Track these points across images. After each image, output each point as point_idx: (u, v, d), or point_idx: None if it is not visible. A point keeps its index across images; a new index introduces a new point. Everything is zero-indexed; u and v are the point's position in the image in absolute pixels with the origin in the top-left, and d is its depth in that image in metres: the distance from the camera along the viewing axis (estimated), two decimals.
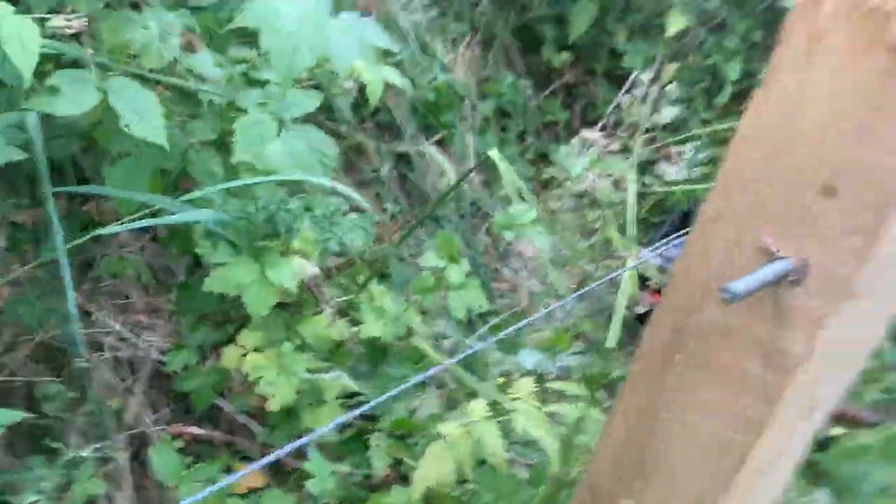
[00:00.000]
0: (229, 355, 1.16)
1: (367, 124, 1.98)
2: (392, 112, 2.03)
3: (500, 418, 1.01)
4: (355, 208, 1.29)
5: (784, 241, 0.52)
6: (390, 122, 2.06)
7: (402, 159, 2.05)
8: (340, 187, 0.99)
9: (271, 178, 0.94)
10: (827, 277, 0.50)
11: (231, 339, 1.19)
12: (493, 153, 0.97)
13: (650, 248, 1.05)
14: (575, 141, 1.14)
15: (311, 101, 1.01)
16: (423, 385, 1.23)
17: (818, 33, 0.50)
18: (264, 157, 0.93)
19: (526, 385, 1.10)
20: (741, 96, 2.72)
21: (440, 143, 2.10)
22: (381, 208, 1.99)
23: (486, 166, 2.20)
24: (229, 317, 1.27)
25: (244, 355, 1.16)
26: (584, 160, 1.10)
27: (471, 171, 1.23)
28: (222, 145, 1.01)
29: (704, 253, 0.57)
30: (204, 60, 0.97)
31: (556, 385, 1.09)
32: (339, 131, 1.68)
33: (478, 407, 1.05)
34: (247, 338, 1.16)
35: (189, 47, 0.95)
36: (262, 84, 1.02)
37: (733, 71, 2.59)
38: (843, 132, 0.49)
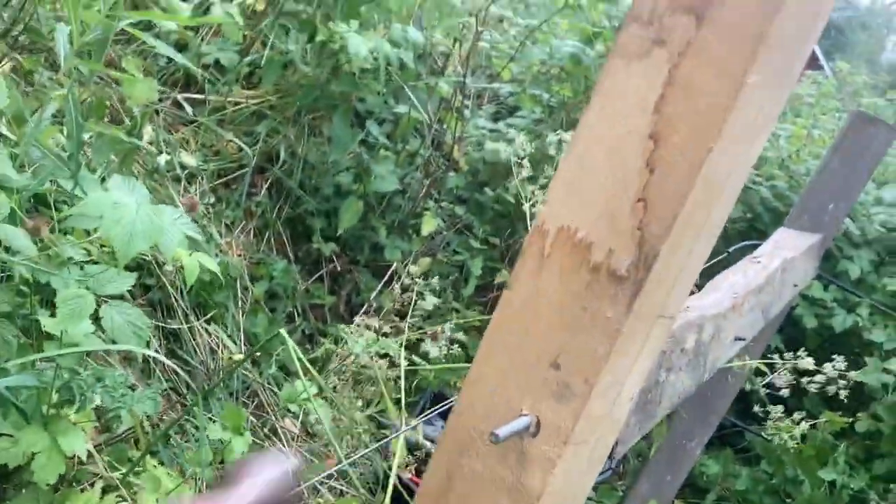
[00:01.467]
0: None
1: (140, 300, 2.02)
2: (165, 289, 2.08)
3: None
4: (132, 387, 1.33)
5: (527, 401, 0.71)
6: (162, 299, 2.11)
7: (174, 336, 2.08)
8: (160, 357, 1.05)
9: (78, 349, 0.99)
10: (554, 430, 0.69)
11: None
12: (283, 332, 1.09)
13: (414, 421, 1.20)
14: (356, 323, 1.30)
15: (129, 280, 1.09)
16: None
17: (545, 254, 0.71)
18: (82, 329, 0.98)
19: None
20: (483, 288, 3.08)
21: (211, 322, 2.17)
22: (145, 384, 1.98)
23: (251, 345, 2.29)
24: None
25: None
26: (362, 340, 1.25)
27: (252, 352, 1.33)
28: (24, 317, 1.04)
29: (469, 408, 0.74)
30: (14, 234, 1.02)
31: None
32: None
33: None
34: None
35: (36, 231, 1.00)
36: (68, 261, 1.08)
37: (476, 267, 2.95)
38: (563, 324, 0.69)
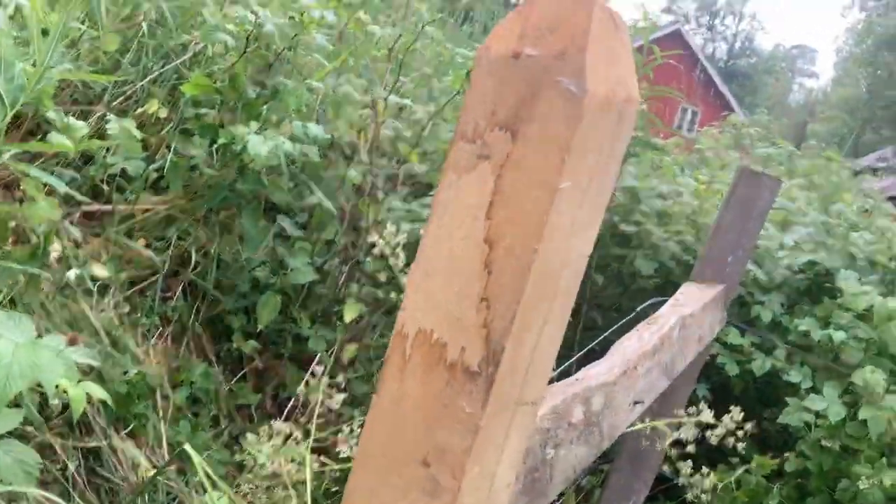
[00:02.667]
0: None
1: (54, 422, 1.97)
2: (85, 410, 2.04)
3: None
4: None
5: (402, 495, 0.73)
6: (81, 418, 2.07)
7: (92, 454, 2.03)
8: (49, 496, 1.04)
9: None
10: None
11: None
12: (188, 447, 1.10)
13: None
14: (264, 430, 1.30)
15: (14, 419, 1.08)
16: None
17: (406, 356, 0.75)
18: None
19: None
20: None
21: (132, 435, 2.13)
22: None
23: (180, 456, 2.25)
24: None
25: None
26: (266, 448, 1.26)
27: (166, 464, 1.32)
28: None
29: None
30: None
31: None
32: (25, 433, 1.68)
33: None
34: None
35: None
36: None
37: None
38: (427, 423, 0.72)
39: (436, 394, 0.72)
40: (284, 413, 2.50)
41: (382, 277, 3.11)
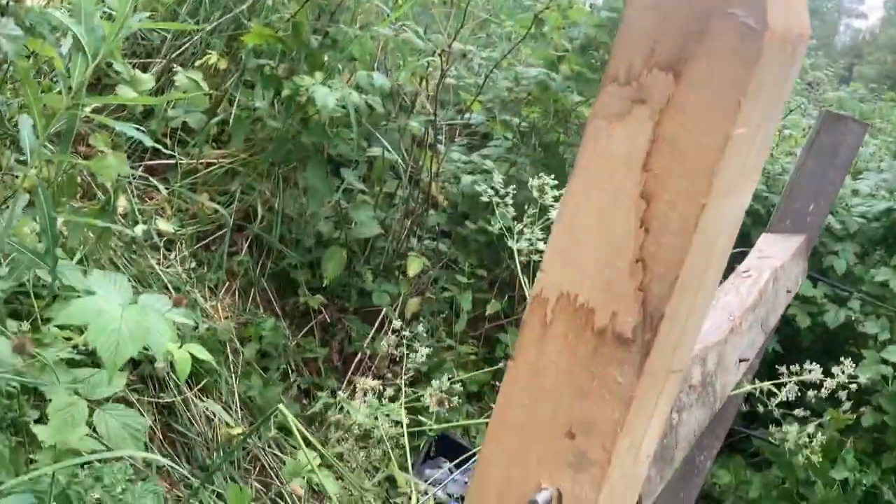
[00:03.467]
0: None
1: (129, 377, 1.98)
2: (153, 364, 2.04)
3: None
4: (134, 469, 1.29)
5: (545, 474, 0.69)
6: (152, 373, 2.07)
7: (167, 410, 2.04)
8: (155, 457, 1.03)
9: (73, 461, 0.96)
10: (576, 502, 0.67)
11: None
12: (283, 409, 1.07)
13: (427, 481, 1.18)
14: (357, 387, 1.28)
15: (119, 382, 1.06)
16: None
17: (547, 321, 0.69)
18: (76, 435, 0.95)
19: None
20: (475, 320, 3.06)
21: (205, 390, 2.13)
22: (144, 462, 1.94)
23: (247, 409, 2.25)
24: None
25: None
26: (365, 407, 1.23)
27: (254, 429, 1.30)
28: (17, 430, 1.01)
29: (483, 491, 0.72)
30: None
31: None
32: None
33: None
34: None
35: (20, 349, 0.97)
36: (56, 365, 1.05)
37: (466, 301, 2.93)
38: (573, 392, 0.67)
39: (583, 362, 0.67)
40: (352, 366, 2.49)
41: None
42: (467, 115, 3.21)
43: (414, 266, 2.68)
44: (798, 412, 2.80)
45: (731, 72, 0.59)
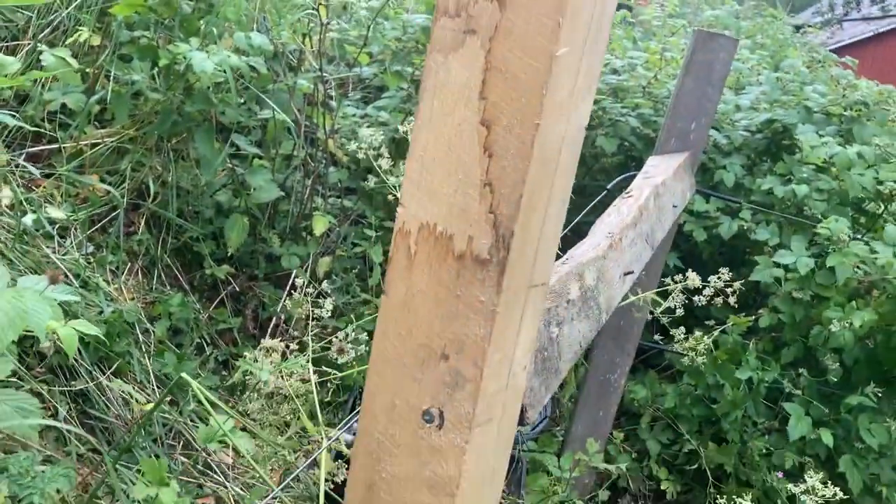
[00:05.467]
0: None
1: (37, 370, 1.94)
2: (62, 352, 2.01)
3: None
4: (49, 459, 1.28)
5: (425, 396, 0.73)
6: (62, 363, 2.03)
7: (81, 397, 2.01)
8: (52, 423, 1.02)
9: None
10: (457, 418, 0.71)
11: None
12: (185, 376, 1.08)
13: (339, 427, 1.21)
14: (259, 350, 1.29)
15: (5, 367, 1.04)
16: None
17: (412, 252, 0.73)
18: None
19: None
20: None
21: (118, 373, 2.10)
22: (63, 452, 1.92)
23: (164, 387, 2.23)
24: None
25: None
26: (269, 366, 1.25)
27: (165, 395, 1.31)
28: None
29: (374, 418, 0.75)
30: None
31: None
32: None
33: None
34: None
35: None
36: None
37: (377, 254, 2.96)
38: (442, 316, 0.71)
39: (448, 286, 0.71)
40: (268, 332, 2.49)
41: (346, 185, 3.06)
42: (357, 69, 3.19)
43: (320, 225, 2.67)
44: (709, 323, 2.94)
45: None
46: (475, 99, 0.66)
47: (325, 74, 2.66)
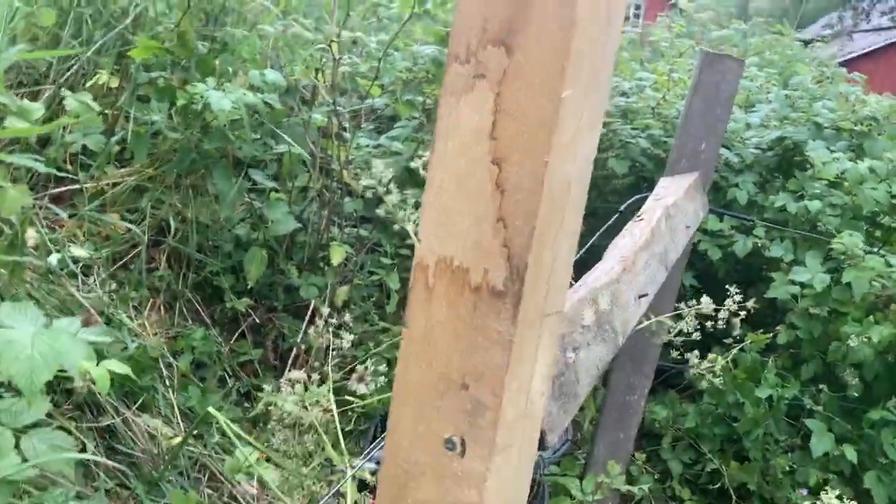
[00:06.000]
0: None
1: (64, 407, 1.98)
2: (90, 388, 2.04)
3: None
4: (79, 495, 1.31)
5: (447, 426, 0.75)
6: (88, 399, 2.07)
7: (108, 433, 2.05)
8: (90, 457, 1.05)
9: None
10: (478, 445, 0.74)
11: None
12: (212, 409, 1.10)
13: (362, 456, 1.24)
14: (283, 381, 1.32)
15: (42, 407, 1.08)
16: None
17: (430, 286, 0.75)
18: (6, 465, 0.97)
19: None
20: (406, 300, 3.12)
21: (143, 408, 2.14)
22: (92, 487, 1.95)
23: (189, 420, 2.27)
24: None
25: None
26: (292, 396, 1.28)
27: (193, 428, 1.34)
28: None
29: (398, 447, 0.78)
30: None
31: None
32: None
33: None
34: None
35: None
36: None
37: (394, 282, 2.99)
38: (461, 347, 0.74)
39: (465, 318, 0.73)
40: (288, 363, 2.52)
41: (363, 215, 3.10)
42: (369, 101, 3.24)
43: (337, 255, 2.71)
44: (727, 341, 2.94)
45: (552, 40, 0.65)
46: (486, 139, 0.69)
47: (338, 107, 2.72)
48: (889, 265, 2.57)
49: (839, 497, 1.45)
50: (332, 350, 1.49)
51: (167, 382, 2.26)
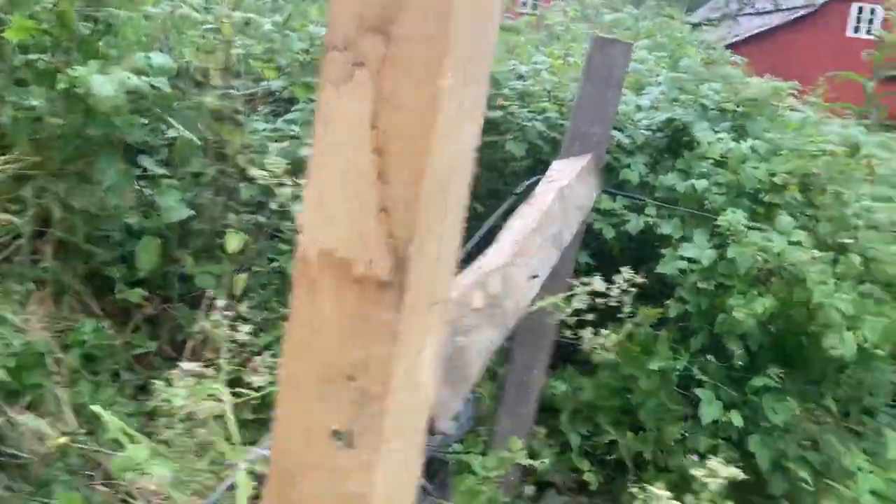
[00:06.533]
0: None
1: None
2: None
3: None
4: None
5: (336, 417, 0.75)
6: None
7: None
8: None
9: None
10: (365, 436, 0.74)
11: None
12: (96, 408, 1.06)
13: (259, 447, 1.22)
14: (174, 373, 1.28)
15: None
16: None
17: (313, 279, 0.75)
18: None
19: None
20: None
21: (31, 407, 2.05)
22: None
23: (85, 417, 2.19)
24: None
25: None
26: (183, 390, 1.24)
27: (76, 430, 1.29)
28: None
29: (286, 441, 0.78)
30: None
31: None
32: None
33: None
34: None
35: None
36: None
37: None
38: (346, 339, 0.74)
39: (350, 310, 0.73)
40: (186, 354, 2.46)
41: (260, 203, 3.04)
42: (265, 83, 3.18)
43: (233, 242, 2.65)
44: (621, 316, 3.03)
45: (429, 28, 0.65)
46: (366, 128, 0.69)
47: (231, 90, 2.65)
48: (769, 240, 2.71)
49: (724, 462, 1.52)
50: (228, 341, 1.46)
51: (57, 379, 2.17)
